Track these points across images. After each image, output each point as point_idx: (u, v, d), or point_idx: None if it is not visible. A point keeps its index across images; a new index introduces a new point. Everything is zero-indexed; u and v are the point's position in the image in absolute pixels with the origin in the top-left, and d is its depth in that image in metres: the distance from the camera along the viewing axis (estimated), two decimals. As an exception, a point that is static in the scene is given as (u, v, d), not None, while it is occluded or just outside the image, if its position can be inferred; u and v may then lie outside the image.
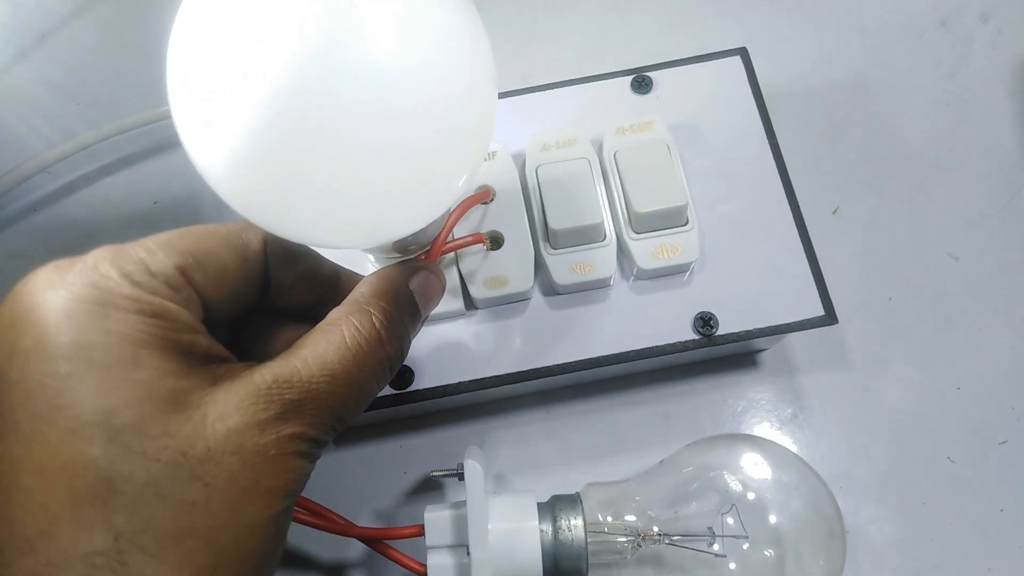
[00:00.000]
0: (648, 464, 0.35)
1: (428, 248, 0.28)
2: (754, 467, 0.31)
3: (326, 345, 0.21)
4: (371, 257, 0.32)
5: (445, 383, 0.31)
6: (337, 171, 0.19)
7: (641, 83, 0.37)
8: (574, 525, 0.29)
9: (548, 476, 0.36)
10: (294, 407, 0.20)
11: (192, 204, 0.43)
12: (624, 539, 0.29)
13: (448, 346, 0.32)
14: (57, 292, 0.18)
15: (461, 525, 0.29)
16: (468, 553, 0.28)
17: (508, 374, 0.32)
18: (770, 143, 0.35)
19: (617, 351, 0.32)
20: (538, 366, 0.32)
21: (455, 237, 0.31)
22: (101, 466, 0.17)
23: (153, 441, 0.18)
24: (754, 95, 0.36)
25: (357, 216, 0.21)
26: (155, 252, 0.20)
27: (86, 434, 0.17)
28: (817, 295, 0.32)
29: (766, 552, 0.29)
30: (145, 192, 0.43)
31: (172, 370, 0.19)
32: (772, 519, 0.29)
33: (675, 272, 0.33)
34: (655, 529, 0.29)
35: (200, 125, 0.19)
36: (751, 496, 0.30)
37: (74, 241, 0.42)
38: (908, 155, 0.42)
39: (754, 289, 0.33)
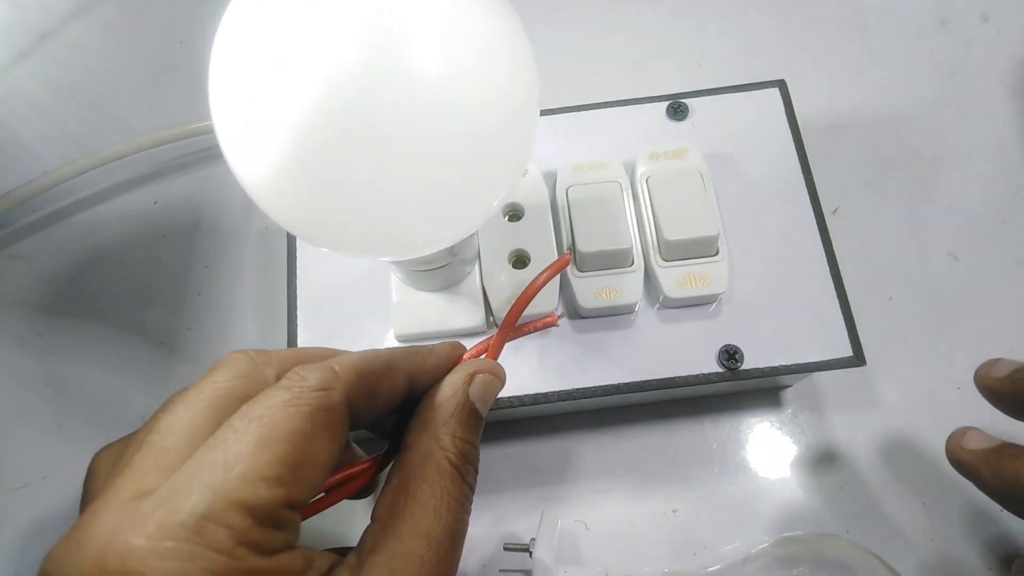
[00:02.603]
0: (655, 501, 0.36)
1: (493, 336, 0.27)
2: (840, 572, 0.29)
3: (421, 514, 0.20)
4: (397, 272, 0.31)
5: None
6: (376, 182, 0.19)
7: (677, 109, 0.36)
8: None
9: (567, 504, 0.35)
10: None
11: (192, 204, 0.43)
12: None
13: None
14: (152, 564, 0.16)
15: None
16: None
17: (527, 395, 0.31)
18: (805, 178, 0.34)
19: (639, 379, 0.31)
20: (557, 389, 0.31)
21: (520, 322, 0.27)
22: None
23: None
24: (791, 128, 0.35)
25: (394, 228, 0.21)
26: (259, 490, 0.17)
27: None
28: (846, 335, 0.31)
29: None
30: (145, 192, 0.43)
31: None
32: None
33: (702, 303, 0.32)
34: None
35: (243, 139, 0.20)
36: None
37: (74, 241, 0.42)
38: (908, 155, 0.42)
39: (782, 325, 0.32)
